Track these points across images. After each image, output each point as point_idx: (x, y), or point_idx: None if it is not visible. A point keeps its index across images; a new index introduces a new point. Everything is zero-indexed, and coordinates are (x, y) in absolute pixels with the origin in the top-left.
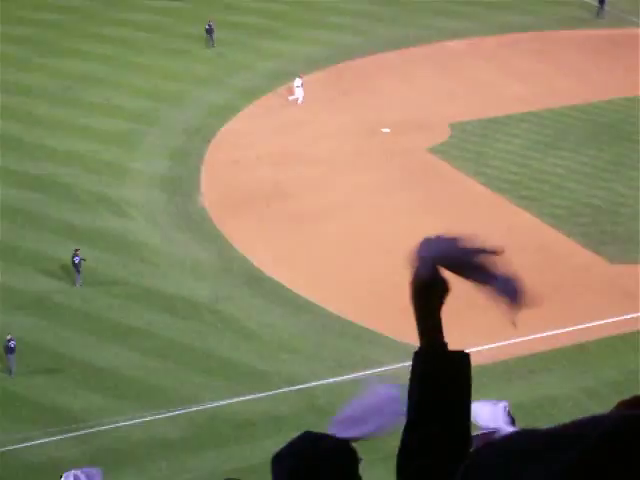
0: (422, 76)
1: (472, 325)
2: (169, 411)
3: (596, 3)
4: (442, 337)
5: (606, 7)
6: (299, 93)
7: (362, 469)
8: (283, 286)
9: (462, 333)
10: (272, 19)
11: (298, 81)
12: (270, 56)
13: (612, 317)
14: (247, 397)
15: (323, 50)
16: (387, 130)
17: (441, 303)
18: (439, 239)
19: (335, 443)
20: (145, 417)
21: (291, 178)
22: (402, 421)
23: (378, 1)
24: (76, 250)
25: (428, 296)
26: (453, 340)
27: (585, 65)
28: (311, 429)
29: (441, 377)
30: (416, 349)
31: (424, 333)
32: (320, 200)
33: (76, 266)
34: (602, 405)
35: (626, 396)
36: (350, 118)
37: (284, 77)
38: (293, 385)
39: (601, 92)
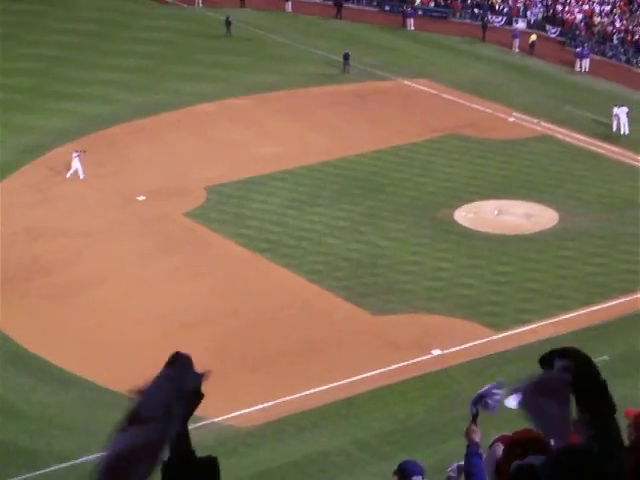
0: (175, 141)
1: (239, 388)
2: None
3: (341, 59)
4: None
5: (351, 62)
6: (76, 165)
7: None
8: (49, 362)
9: (230, 394)
10: (19, 93)
11: (75, 155)
12: (21, 130)
13: (378, 368)
14: (18, 478)
15: (73, 121)
16: (143, 197)
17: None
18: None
19: None
20: None
21: (49, 252)
22: None
23: (126, 70)
24: None
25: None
26: (219, 403)
27: (335, 120)
28: None
29: None
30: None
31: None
32: (80, 272)
33: None
34: (374, 456)
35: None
36: (105, 188)
37: (37, 151)
38: (64, 462)
39: (352, 146)
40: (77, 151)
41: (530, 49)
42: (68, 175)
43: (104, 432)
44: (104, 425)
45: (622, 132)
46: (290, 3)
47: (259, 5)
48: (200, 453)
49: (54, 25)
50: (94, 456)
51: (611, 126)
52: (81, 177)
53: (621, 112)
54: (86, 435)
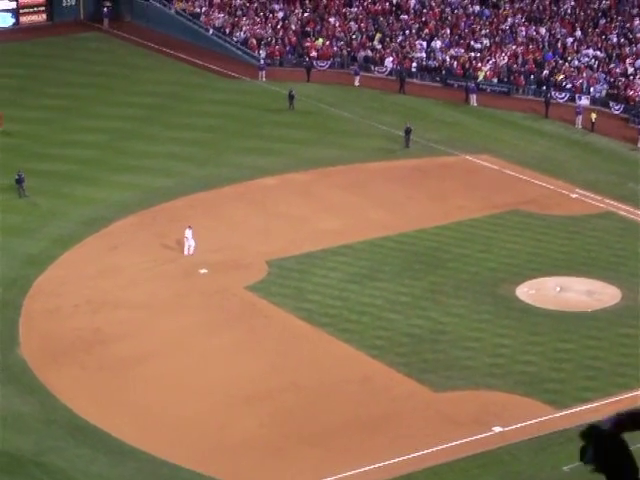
0: (236, 214)
1: (299, 462)
2: None
3: (402, 134)
4: None
5: (412, 137)
6: (190, 243)
7: None
8: (108, 434)
9: (288, 469)
10: (82, 164)
11: (189, 232)
12: (83, 202)
13: (438, 445)
14: None
15: (135, 194)
16: (205, 271)
17: None
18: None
19: None
20: None
21: (111, 324)
22: None
23: (188, 143)
24: None
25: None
26: (278, 477)
27: (395, 195)
28: None
29: None
30: None
31: None
32: (141, 345)
33: None
34: None
35: None
36: (167, 261)
37: (99, 223)
38: None
39: (413, 222)
40: (190, 227)
41: (592, 126)
42: (186, 252)
43: None
44: None
45: None
46: (358, 77)
47: (324, 79)
48: None
49: (118, 98)
50: None
51: None
52: (192, 253)
53: None
54: None
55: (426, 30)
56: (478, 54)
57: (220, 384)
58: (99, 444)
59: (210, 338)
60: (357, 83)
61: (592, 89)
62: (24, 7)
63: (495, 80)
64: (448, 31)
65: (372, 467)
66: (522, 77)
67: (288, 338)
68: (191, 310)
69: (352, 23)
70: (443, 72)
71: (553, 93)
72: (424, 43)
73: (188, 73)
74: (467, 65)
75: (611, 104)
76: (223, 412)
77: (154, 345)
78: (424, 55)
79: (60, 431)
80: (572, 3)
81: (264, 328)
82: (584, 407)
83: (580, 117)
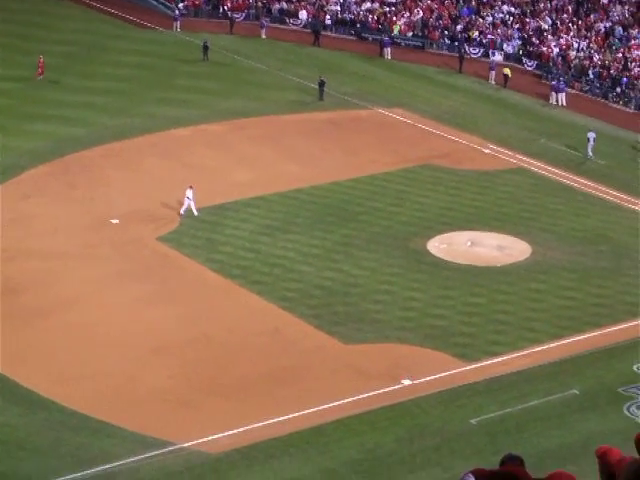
0: (149, 165)
1: (208, 413)
2: None
3: (316, 86)
4: None
5: (326, 90)
6: (191, 203)
7: None
8: (18, 383)
9: (199, 420)
10: None
11: (189, 192)
12: None
13: (348, 397)
14: None
15: (48, 143)
16: (116, 221)
17: None
18: None
19: None
20: None
21: (22, 273)
22: None
23: (102, 92)
24: None
25: None
26: (188, 428)
27: (309, 148)
28: None
29: None
30: None
31: None
32: (52, 294)
33: None
34: None
35: (364, 475)
36: (78, 211)
37: (10, 171)
38: None
39: (326, 174)
40: (192, 187)
41: (504, 81)
42: (182, 211)
43: (72, 455)
44: (72, 448)
45: (589, 156)
46: (265, 30)
47: (239, 31)
48: None
49: (33, 47)
50: (61, 479)
51: (586, 152)
52: (195, 214)
53: (590, 136)
54: (54, 458)
55: None
56: (393, 8)
57: (131, 335)
58: (8, 394)
59: (121, 289)
60: (264, 36)
61: (506, 45)
62: None
63: (410, 34)
64: None
65: (282, 419)
66: (437, 32)
67: (199, 290)
68: (103, 261)
69: None
70: (358, 25)
71: (467, 48)
72: None
73: (104, 23)
74: (382, 19)
75: (524, 60)
76: (133, 363)
77: (65, 295)
78: (339, 8)
79: None
80: None
81: (176, 279)
82: (493, 361)
83: (493, 73)
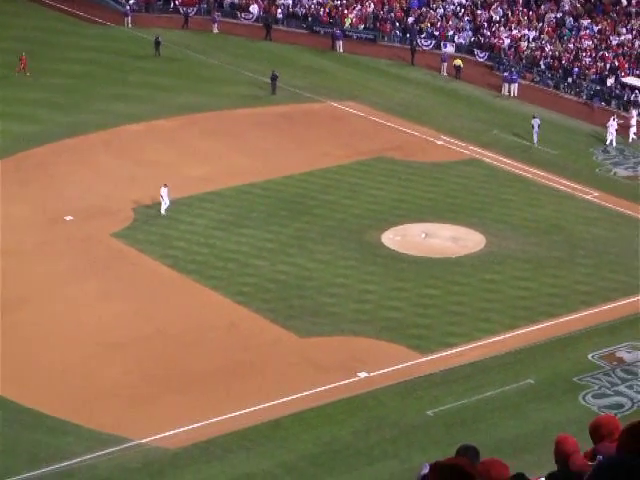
0: (102, 161)
1: (165, 409)
2: None
3: (269, 80)
4: None
5: (278, 83)
6: (166, 201)
7: None
8: None
9: (155, 416)
10: None
11: (164, 190)
12: None
13: (304, 391)
14: None
15: None
16: (70, 218)
17: None
18: None
19: None
20: None
21: None
22: None
23: (54, 89)
24: None
25: None
26: (145, 424)
27: (262, 142)
28: None
29: None
30: None
31: None
32: (7, 292)
33: None
34: (300, 478)
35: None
36: (31, 208)
37: None
38: None
39: (279, 168)
40: (166, 186)
41: (456, 73)
42: (163, 211)
43: (28, 453)
44: (28, 446)
45: (535, 142)
46: (216, 24)
47: (190, 26)
48: None
49: None
50: (17, 477)
51: (532, 140)
52: (163, 213)
53: (535, 122)
54: (10, 456)
55: None
56: (344, 1)
57: (86, 331)
58: None
59: (76, 285)
60: (216, 30)
61: (457, 37)
62: None
63: (361, 27)
64: None
65: (239, 413)
66: (388, 24)
67: (154, 285)
68: (57, 257)
69: None
70: (309, 19)
71: (419, 40)
72: None
73: (54, 19)
74: (333, 12)
75: (476, 52)
76: (89, 359)
77: (20, 292)
78: (290, 2)
79: None
80: None
81: (130, 275)
82: (449, 352)
83: (445, 64)
